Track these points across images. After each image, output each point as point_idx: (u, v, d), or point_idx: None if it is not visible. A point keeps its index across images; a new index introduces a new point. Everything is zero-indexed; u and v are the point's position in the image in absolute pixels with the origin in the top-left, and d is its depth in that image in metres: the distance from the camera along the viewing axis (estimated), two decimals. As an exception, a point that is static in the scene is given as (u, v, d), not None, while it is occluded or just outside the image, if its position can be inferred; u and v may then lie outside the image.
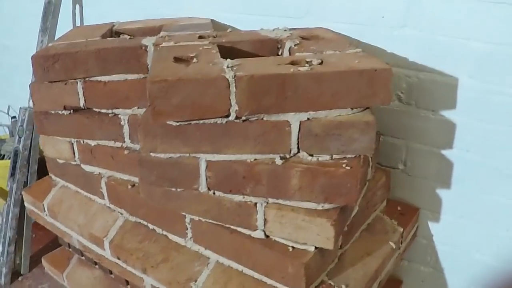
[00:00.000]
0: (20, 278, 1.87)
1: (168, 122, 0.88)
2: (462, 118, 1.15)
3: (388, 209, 1.23)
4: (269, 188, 0.90)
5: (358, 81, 0.85)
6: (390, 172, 1.25)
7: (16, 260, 1.87)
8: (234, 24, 1.44)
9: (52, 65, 1.12)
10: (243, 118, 0.86)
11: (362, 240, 1.11)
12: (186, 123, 0.88)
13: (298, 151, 0.89)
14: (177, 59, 0.95)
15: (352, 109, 0.87)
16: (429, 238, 1.32)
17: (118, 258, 1.17)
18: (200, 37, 1.15)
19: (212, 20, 1.46)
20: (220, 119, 0.86)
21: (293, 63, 0.90)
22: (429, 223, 1.30)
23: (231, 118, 0.85)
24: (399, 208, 1.24)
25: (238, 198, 0.93)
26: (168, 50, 1.02)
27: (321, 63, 0.89)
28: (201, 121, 0.87)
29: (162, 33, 1.23)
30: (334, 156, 0.88)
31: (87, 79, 1.14)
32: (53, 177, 1.40)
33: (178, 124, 0.88)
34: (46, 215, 1.37)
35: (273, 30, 1.20)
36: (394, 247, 1.13)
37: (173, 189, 0.98)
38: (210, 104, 0.84)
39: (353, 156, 0.88)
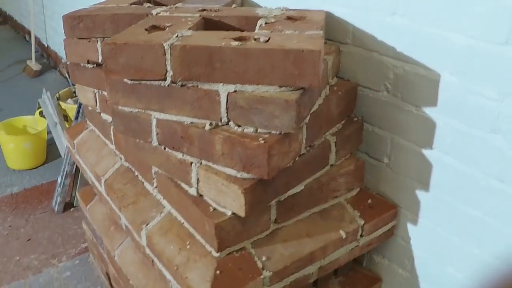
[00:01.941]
0: (71, 209, 2.28)
1: (124, 80, 1.07)
2: (443, 117, 1.14)
3: (357, 199, 1.27)
4: (200, 150, 1.05)
5: (284, 61, 0.94)
6: (364, 163, 1.29)
7: (72, 192, 2.28)
8: (262, 2, 1.57)
9: (77, 24, 1.39)
10: (180, 83, 1.01)
11: (309, 221, 1.19)
12: (137, 82, 1.06)
13: (229, 120, 1.02)
14: (153, 27, 1.13)
15: (280, 87, 0.97)
16: (407, 241, 1.33)
17: (108, 196, 1.42)
18: (203, 10, 1.31)
19: (241, -4, 1.61)
20: (163, 82, 1.03)
21: (241, 38, 1.01)
22: (408, 225, 1.31)
23: (167, 81, 1.02)
24: (369, 201, 1.28)
25: (179, 155, 1.10)
26: (155, 19, 1.21)
27: (267, 40, 1.00)
28: (149, 82, 1.05)
29: (178, 4, 1.42)
30: (259, 130, 0.99)
31: (104, 38, 1.38)
32: (87, 121, 1.70)
33: (132, 82, 1.07)
34: (75, 152, 1.68)
35: (274, 8, 1.31)
36: (344, 236, 1.18)
37: (138, 141, 1.18)
38: (149, 67, 1.01)
39: (277, 132, 0.98)
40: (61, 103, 2.73)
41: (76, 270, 1.93)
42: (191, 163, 1.08)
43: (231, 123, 1.02)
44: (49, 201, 2.34)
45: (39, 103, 2.75)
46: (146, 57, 1.01)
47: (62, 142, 2.50)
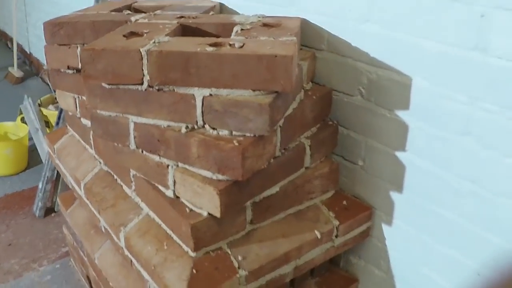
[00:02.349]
0: (52, 214, 2.30)
1: (103, 85, 1.11)
2: (415, 121, 1.19)
3: (332, 201, 1.32)
4: (176, 153, 1.08)
5: (257, 65, 0.98)
6: (339, 165, 1.34)
7: (53, 198, 2.29)
8: (240, 9, 1.61)
9: (58, 31, 1.42)
10: (156, 87, 1.05)
11: (285, 222, 1.23)
12: (115, 86, 1.10)
13: (204, 124, 1.05)
14: (132, 33, 1.17)
15: (254, 91, 1.01)
16: (382, 241, 1.38)
17: (88, 200, 1.44)
18: (181, 17, 1.35)
19: (220, 4, 1.65)
20: (140, 86, 1.06)
21: (216, 44, 1.06)
22: (383, 226, 1.36)
23: (144, 86, 1.05)
24: (344, 203, 1.32)
25: (156, 158, 1.13)
26: (134, 26, 1.25)
27: (242, 46, 1.04)
28: (127, 86, 1.08)
29: (157, 11, 1.46)
30: (234, 133, 1.03)
31: (84, 45, 1.41)
32: (68, 126, 1.73)
33: (110, 87, 1.10)
34: (55, 157, 1.71)
35: (251, 16, 1.36)
36: (319, 237, 1.23)
37: (116, 144, 1.21)
38: (127, 72, 1.05)
39: (251, 135, 1.02)
40: (42, 109, 2.74)
41: (57, 274, 1.94)
42: (168, 165, 1.12)
43: (206, 126, 1.06)
44: (30, 206, 2.35)
45: (20, 109, 2.76)
46: (124, 63, 1.04)
47: (44, 148, 2.52)
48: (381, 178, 1.32)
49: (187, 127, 1.06)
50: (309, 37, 1.38)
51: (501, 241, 1.09)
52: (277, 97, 1.02)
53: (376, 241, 1.40)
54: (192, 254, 1.10)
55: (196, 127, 1.07)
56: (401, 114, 1.21)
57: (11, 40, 4.46)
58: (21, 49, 4.24)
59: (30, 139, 2.72)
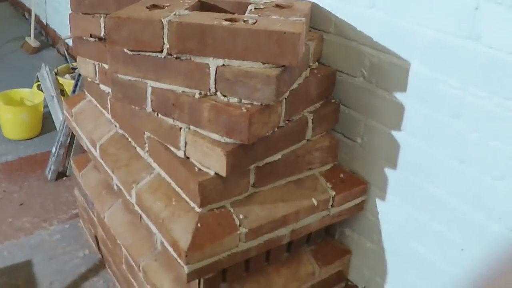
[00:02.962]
0: (64, 178, 2.44)
1: (125, 50, 1.23)
2: (411, 102, 1.30)
3: (330, 173, 1.43)
4: (189, 116, 1.20)
5: (268, 40, 1.09)
6: (338, 140, 1.45)
7: (65, 163, 2.43)
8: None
9: (83, 0, 1.54)
10: (175, 55, 1.17)
11: (285, 189, 1.35)
12: (137, 53, 1.21)
13: (216, 91, 1.17)
14: (153, 6, 1.28)
15: (263, 64, 1.12)
16: (375, 216, 1.50)
17: (102, 160, 1.57)
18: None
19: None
20: (160, 53, 1.18)
21: (231, 19, 1.17)
22: (377, 201, 1.48)
23: (164, 54, 1.17)
24: (341, 176, 1.44)
25: (170, 121, 1.25)
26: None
27: (255, 22, 1.15)
28: (147, 53, 1.20)
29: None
30: (243, 101, 1.15)
31: (107, 15, 1.52)
32: (85, 92, 1.85)
33: (131, 53, 1.22)
34: (73, 120, 1.83)
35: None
36: (316, 204, 1.35)
37: (133, 107, 1.33)
38: (149, 40, 1.16)
39: (258, 103, 1.14)
40: (59, 78, 2.87)
41: (66, 234, 2.08)
42: (181, 128, 1.24)
43: (218, 93, 1.17)
44: (42, 170, 2.49)
45: (37, 77, 2.89)
46: (146, 31, 1.16)
47: (58, 115, 2.65)
48: (377, 156, 1.43)
49: (200, 93, 1.18)
50: (318, 20, 1.48)
51: (484, 218, 1.20)
52: (284, 71, 1.14)
53: (370, 215, 1.52)
54: (198, 210, 1.22)
55: (208, 94, 1.18)
56: (399, 95, 1.32)
57: (28, 10, 4.58)
58: (38, 20, 4.37)
59: (45, 106, 2.85)
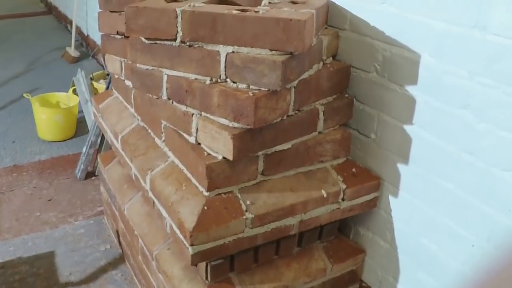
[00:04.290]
0: (92, 178, 2.56)
1: (142, 40, 1.32)
2: (422, 95, 1.33)
3: (342, 167, 1.47)
4: (200, 102, 1.28)
5: (275, 27, 1.16)
6: (351, 134, 1.49)
7: (95, 163, 2.55)
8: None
9: (112, -2, 1.66)
10: (187, 43, 1.25)
11: (294, 179, 1.39)
12: (153, 42, 1.31)
13: (226, 78, 1.24)
14: (173, 0, 1.38)
15: (271, 50, 1.19)
16: (388, 213, 1.51)
17: (123, 150, 1.67)
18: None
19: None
20: (174, 42, 1.27)
21: (242, 10, 1.25)
22: (390, 197, 1.50)
23: (177, 41, 1.26)
24: (353, 170, 1.47)
25: (183, 108, 1.33)
26: (176, -7, 1.46)
27: (264, 13, 1.22)
28: (163, 42, 1.29)
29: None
30: (251, 87, 1.22)
31: (133, 11, 1.64)
32: (113, 89, 1.97)
33: (148, 42, 1.32)
34: (99, 116, 1.95)
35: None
36: (325, 195, 1.38)
37: (151, 96, 1.43)
38: (163, 28, 1.26)
39: (265, 89, 1.20)
40: (93, 82, 3.03)
41: (90, 229, 2.18)
42: (193, 114, 1.31)
43: (228, 80, 1.24)
44: (73, 169, 2.63)
45: (73, 81, 3.07)
46: (161, 20, 1.25)
47: (91, 118, 2.79)
48: (390, 151, 1.46)
49: (211, 80, 1.26)
50: (334, 17, 1.54)
51: (494, 212, 1.21)
52: (291, 58, 1.20)
53: (383, 213, 1.53)
54: (206, 193, 1.28)
55: (219, 80, 1.26)
56: (410, 89, 1.35)
57: (70, 22, 4.87)
58: (79, 32, 4.63)
59: (80, 111, 3.02)
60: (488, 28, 1.13)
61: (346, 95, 1.50)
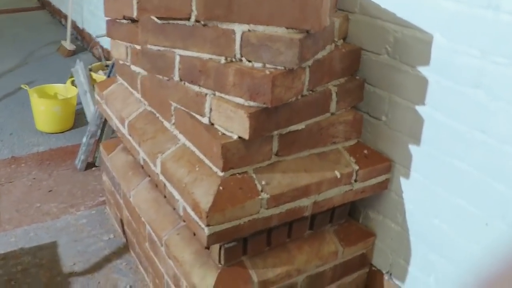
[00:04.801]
0: (93, 168, 2.54)
1: (154, 20, 1.31)
2: (434, 76, 1.34)
3: (354, 148, 1.47)
4: (214, 82, 1.27)
5: (291, 5, 1.16)
6: (362, 116, 1.49)
7: (95, 153, 2.53)
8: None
9: (118, -19, 1.64)
10: (202, 23, 1.24)
11: (308, 160, 1.39)
12: (166, 21, 1.30)
13: (241, 57, 1.24)
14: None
15: (287, 28, 1.19)
16: (399, 195, 1.52)
17: (130, 135, 1.65)
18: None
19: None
20: (188, 21, 1.26)
21: (258, -11, 1.24)
22: (401, 179, 1.50)
23: (192, 21, 1.25)
24: (365, 152, 1.47)
25: (196, 88, 1.32)
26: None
27: (280, -8, 1.22)
28: (176, 22, 1.28)
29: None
30: (267, 65, 1.21)
31: (140, -5, 1.63)
32: (117, 75, 1.95)
33: (161, 22, 1.31)
34: (103, 102, 1.93)
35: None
36: (338, 176, 1.38)
37: (161, 77, 1.41)
38: (178, 7, 1.25)
39: (282, 68, 1.20)
40: (92, 73, 3.01)
41: (92, 219, 2.16)
42: (206, 94, 1.30)
43: (243, 59, 1.24)
44: (72, 160, 2.60)
45: (71, 73, 3.04)
46: (175, -2, 1.24)
47: (90, 110, 2.77)
48: (401, 132, 1.46)
49: (226, 59, 1.25)
50: (345, 1, 1.54)
51: (507, 189, 1.22)
52: (307, 36, 1.19)
53: (394, 195, 1.54)
54: (221, 173, 1.28)
55: (234, 60, 1.25)
56: (422, 69, 1.36)
57: (64, 17, 4.82)
58: (74, 26, 4.59)
59: (79, 104, 2.99)
60: (501, 7, 1.14)
61: (357, 77, 1.50)
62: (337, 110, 1.43)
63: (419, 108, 1.40)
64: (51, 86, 2.99)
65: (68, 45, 4.21)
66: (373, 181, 1.48)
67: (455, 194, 1.35)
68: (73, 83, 3.01)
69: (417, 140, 1.42)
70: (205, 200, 1.24)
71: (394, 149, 1.50)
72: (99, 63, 3.24)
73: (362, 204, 1.67)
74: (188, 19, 1.25)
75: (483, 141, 1.25)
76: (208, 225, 1.22)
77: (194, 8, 1.24)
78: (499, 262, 1.29)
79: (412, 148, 1.44)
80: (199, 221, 1.25)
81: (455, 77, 1.28)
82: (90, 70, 3.09)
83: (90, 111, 2.77)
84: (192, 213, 1.29)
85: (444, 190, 1.38)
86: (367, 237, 1.62)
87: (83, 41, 4.56)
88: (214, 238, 1.25)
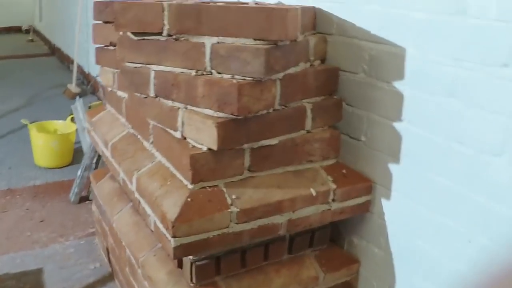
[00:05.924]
0: (86, 202, 2.55)
1: (131, 37, 1.36)
2: (409, 89, 1.34)
3: (332, 168, 1.46)
4: (185, 94, 1.29)
5: (257, 16, 1.19)
6: (340, 134, 1.49)
7: (89, 188, 2.55)
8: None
9: (104, 9, 1.72)
10: (174, 37, 1.28)
11: (282, 176, 1.38)
12: (141, 37, 1.34)
13: (211, 70, 1.26)
14: None
15: (255, 40, 1.21)
16: (382, 217, 1.48)
17: (112, 157, 1.67)
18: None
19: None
20: (161, 36, 1.30)
21: (228, 3, 1.28)
22: (382, 200, 1.47)
23: (164, 34, 1.29)
24: (344, 171, 1.46)
25: (169, 103, 1.34)
26: (166, -3, 1.51)
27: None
28: (150, 37, 1.32)
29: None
30: (236, 77, 1.23)
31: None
32: (106, 103, 2.00)
33: (136, 38, 1.35)
34: (92, 129, 1.97)
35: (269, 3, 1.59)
36: (314, 194, 1.36)
37: (139, 95, 1.44)
38: (150, 21, 1.29)
39: (250, 78, 1.21)
40: (91, 111, 3.07)
41: (80, 248, 2.15)
42: (178, 108, 1.32)
43: (213, 71, 1.26)
44: (67, 194, 2.62)
45: (71, 110, 3.11)
46: (149, 13, 1.29)
47: (88, 146, 2.81)
48: (381, 151, 1.45)
49: (197, 72, 1.27)
50: (322, 23, 1.58)
51: (487, 201, 1.18)
52: (275, 48, 1.22)
53: (377, 218, 1.50)
54: (190, 186, 1.27)
55: (204, 72, 1.27)
56: (397, 84, 1.36)
57: (72, 62, 5.00)
58: (81, 71, 4.75)
59: (78, 141, 3.04)
60: (468, 12, 1.15)
61: (335, 97, 1.51)
62: (313, 128, 1.43)
63: (396, 125, 1.39)
64: (51, 122, 3.07)
65: (73, 88, 4.34)
66: (353, 202, 1.45)
67: (436, 211, 1.31)
68: (73, 120, 3.07)
69: (396, 158, 1.41)
70: (172, 211, 1.22)
71: (374, 169, 1.48)
72: (99, 101, 3.33)
73: (345, 229, 1.63)
74: (161, 33, 1.29)
75: (460, 151, 1.22)
76: (174, 236, 1.20)
77: (166, 21, 1.28)
78: (484, 278, 1.23)
79: (392, 166, 1.42)
80: (166, 232, 1.23)
81: (430, 88, 1.27)
82: (90, 108, 3.16)
83: (87, 146, 2.81)
84: (160, 226, 1.27)
85: (426, 208, 1.34)
86: (350, 263, 1.57)
87: (89, 85, 4.71)
88: (181, 250, 1.23)
